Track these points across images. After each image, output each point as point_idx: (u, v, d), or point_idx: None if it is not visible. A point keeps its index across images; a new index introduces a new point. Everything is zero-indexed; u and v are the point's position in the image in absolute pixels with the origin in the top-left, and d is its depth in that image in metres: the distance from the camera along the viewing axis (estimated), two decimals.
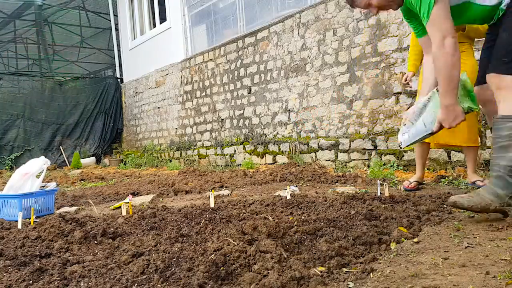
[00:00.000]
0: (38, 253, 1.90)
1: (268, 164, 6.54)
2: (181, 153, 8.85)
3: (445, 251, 1.64)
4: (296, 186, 4.03)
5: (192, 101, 8.64)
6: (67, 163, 10.77)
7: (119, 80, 11.92)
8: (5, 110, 10.47)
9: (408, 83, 3.60)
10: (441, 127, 2.13)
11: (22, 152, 10.49)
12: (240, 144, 7.22)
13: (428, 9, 2.00)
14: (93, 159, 11.01)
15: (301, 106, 6.16)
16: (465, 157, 4.17)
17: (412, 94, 4.66)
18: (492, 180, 2.03)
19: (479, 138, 3.54)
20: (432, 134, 2.21)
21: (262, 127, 6.91)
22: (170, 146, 9.34)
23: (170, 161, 9.04)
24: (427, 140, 3.31)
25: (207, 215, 2.53)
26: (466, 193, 2.13)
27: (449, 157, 4.31)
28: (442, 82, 2.03)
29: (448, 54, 1.96)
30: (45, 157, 3.83)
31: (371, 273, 1.43)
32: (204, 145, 8.29)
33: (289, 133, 6.39)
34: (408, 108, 4.80)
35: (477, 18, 2.18)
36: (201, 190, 4.27)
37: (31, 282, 1.49)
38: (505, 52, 2.02)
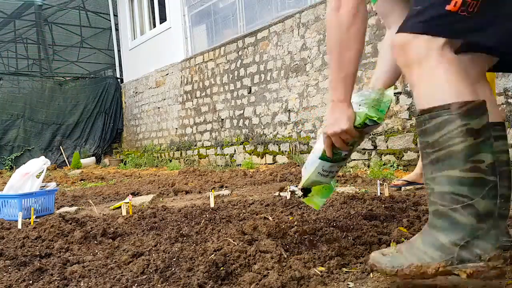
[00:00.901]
0: (38, 253, 1.90)
1: (268, 164, 6.54)
2: (181, 153, 8.85)
3: None
4: (296, 186, 4.02)
5: (192, 101, 8.64)
6: (67, 163, 10.78)
7: (119, 80, 11.93)
8: (5, 110, 10.47)
9: None
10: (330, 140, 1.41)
11: (22, 152, 10.49)
12: (240, 144, 7.22)
13: None
14: (93, 159, 11.02)
15: (301, 106, 6.16)
16: None
17: (412, 95, 4.66)
18: (431, 219, 1.17)
19: None
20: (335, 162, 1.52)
21: (262, 127, 6.91)
22: (170, 146, 9.34)
23: (170, 161, 9.04)
24: None
25: (207, 215, 2.53)
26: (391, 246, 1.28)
27: None
28: (330, 64, 1.36)
29: (343, 21, 1.27)
30: (45, 157, 3.82)
31: (371, 273, 1.43)
32: (204, 145, 8.30)
33: (289, 133, 6.39)
34: (408, 108, 4.80)
35: None
36: (201, 190, 4.27)
37: (31, 282, 1.49)
38: None
